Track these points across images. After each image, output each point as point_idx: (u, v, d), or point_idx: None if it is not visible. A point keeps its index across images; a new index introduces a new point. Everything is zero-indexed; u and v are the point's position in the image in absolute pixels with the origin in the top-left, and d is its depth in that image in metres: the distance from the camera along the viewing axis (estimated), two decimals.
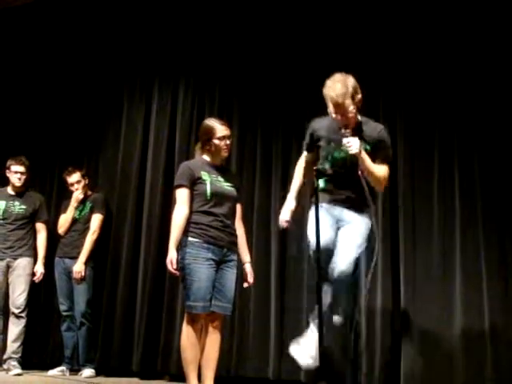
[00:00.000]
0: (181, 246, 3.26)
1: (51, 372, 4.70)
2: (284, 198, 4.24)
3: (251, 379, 4.22)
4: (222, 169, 3.48)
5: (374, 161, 3.22)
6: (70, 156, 5.34)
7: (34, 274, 4.85)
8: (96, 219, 4.87)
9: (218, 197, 3.34)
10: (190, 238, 3.26)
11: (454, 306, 3.81)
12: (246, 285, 3.51)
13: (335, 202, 3.27)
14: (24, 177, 4.98)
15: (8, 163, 4.96)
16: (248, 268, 3.47)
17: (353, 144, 3.12)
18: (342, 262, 3.13)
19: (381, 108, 4.27)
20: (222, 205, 3.34)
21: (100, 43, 5.46)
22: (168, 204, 4.79)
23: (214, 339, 3.31)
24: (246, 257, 3.49)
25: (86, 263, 4.74)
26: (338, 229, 3.26)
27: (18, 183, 4.97)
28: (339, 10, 4.52)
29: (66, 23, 5.53)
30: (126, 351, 4.69)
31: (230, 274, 3.34)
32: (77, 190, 4.89)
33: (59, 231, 4.91)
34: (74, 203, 4.87)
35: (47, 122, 5.56)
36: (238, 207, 3.49)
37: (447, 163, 4.03)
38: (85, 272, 4.72)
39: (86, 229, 4.85)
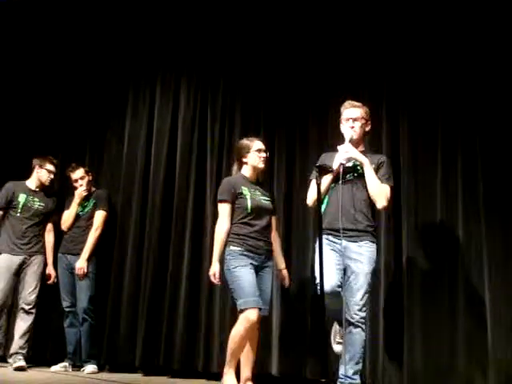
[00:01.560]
0: (224, 256, 3.58)
1: (54, 368, 4.70)
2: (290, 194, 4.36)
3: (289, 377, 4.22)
4: (258, 183, 3.81)
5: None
6: (74, 152, 5.35)
7: (45, 274, 4.88)
8: (99, 216, 4.87)
9: (257, 210, 3.65)
10: (232, 247, 3.59)
11: (458, 304, 3.81)
12: (286, 286, 3.89)
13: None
14: (53, 177, 5.03)
15: (40, 161, 4.96)
16: (285, 273, 3.85)
17: (349, 150, 3.37)
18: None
19: (384, 104, 4.27)
20: (261, 217, 3.67)
21: (104, 39, 5.46)
22: (170, 201, 4.84)
23: (254, 337, 3.59)
24: (282, 264, 3.84)
25: (89, 260, 4.74)
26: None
27: (48, 183, 5.00)
28: (343, 6, 4.52)
29: (72, 18, 5.51)
30: (130, 347, 4.69)
31: (267, 279, 3.67)
32: (80, 186, 4.89)
33: (62, 227, 4.91)
34: (77, 199, 4.87)
35: (51, 117, 5.54)
36: (274, 219, 3.83)
37: (450, 160, 4.02)
38: (87, 268, 4.72)
39: (90, 225, 4.85)
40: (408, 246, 4.01)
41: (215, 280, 3.58)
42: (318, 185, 3.10)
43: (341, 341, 3.36)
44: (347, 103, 3.60)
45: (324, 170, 3.33)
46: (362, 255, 3.36)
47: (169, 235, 4.78)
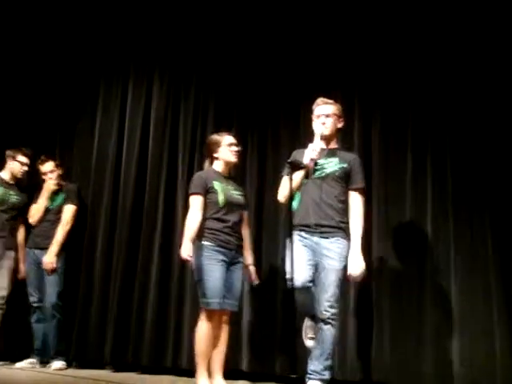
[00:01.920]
0: (196, 250, 3.56)
1: (19, 364, 4.62)
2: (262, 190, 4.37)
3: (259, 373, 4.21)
4: (230, 178, 3.81)
5: (348, 185, 3.48)
6: (44, 145, 5.26)
7: (16, 270, 4.81)
8: (69, 210, 4.80)
9: (229, 205, 3.65)
10: (203, 242, 3.58)
11: (425, 298, 3.87)
12: (253, 283, 3.84)
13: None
14: (27, 169, 4.94)
15: (12, 153, 4.88)
16: (251, 269, 3.81)
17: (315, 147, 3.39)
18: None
19: (356, 104, 4.31)
20: (233, 212, 3.68)
21: (76, 32, 5.39)
22: (141, 195, 4.82)
23: (224, 333, 3.63)
24: (249, 259, 3.81)
25: (58, 254, 4.67)
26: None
27: (20, 175, 4.91)
28: (315, 6, 4.54)
29: (44, 10, 5.43)
30: (99, 343, 4.65)
31: (238, 274, 3.68)
32: (50, 179, 4.83)
33: (30, 221, 4.83)
34: (45, 193, 4.80)
35: (19, 110, 5.45)
36: (245, 214, 3.83)
37: (420, 158, 4.07)
38: (56, 263, 4.65)
39: (58, 219, 4.77)
40: (377, 242, 4.05)
41: (189, 257, 3.49)
42: (291, 180, 3.12)
43: (313, 336, 3.37)
44: (319, 100, 3.62)
45: (296, 166, 3.37)
46: (333, 252, 3.38)
47: (139, 231, 4.75)
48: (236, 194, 3.75)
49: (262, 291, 4.29)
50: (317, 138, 3.46)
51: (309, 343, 3.41)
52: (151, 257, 4.65)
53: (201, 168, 4.06)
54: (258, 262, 3.98)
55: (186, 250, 3.50)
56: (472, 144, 3.94)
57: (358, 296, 4.05)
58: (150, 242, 4.68)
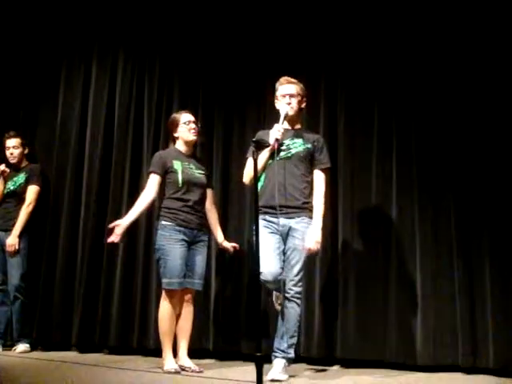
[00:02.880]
0: (155, 230, 3.63)
1: None
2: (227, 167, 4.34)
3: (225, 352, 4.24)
4: (193, 157, 3.79)
5: (313, 165, 3.49)
6: (5, 124, 5.13)
7: None
8: (31, 191, 4.71)
9: (189, 184, 3.65)
10: (163, 222, 3.60)
11: (390, 282, 3.92)
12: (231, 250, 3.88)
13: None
14: None
15: None
16: (226, 245, 3.88)
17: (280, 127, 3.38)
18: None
19: (322, 84, 4.30)
20: (193, 191, 3.66)
21: (41, 9, 5.25)
22: (106, 177, 4.75)
23: (187, 312, 3.66)
24: (220, 237, 3.87)
25: (21, 236, 4.59)
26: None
27: None
28: None
29: None
30: (65, 324, 4.61)
31: (201, 253, 3.69)
32: (11, 154, 4.73)
33: None
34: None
35: None
36: (209, 192, 3.84)
37: (386, 140, 4.09)
38: (19, 245, 4.57)
39: (21, 200, 4.68)
40: (343, 224, 4.09)
41: (116, 233, 3.54)
42: (255, 160, 3.11)
43: (281, 303, 3.38)
44: (283, 79, 3.59)
45: (261, 146, 3.35)
46: (299, 231, 3.39)
47: (105, 212, 4.69)
48: (197, 173, 3.73)
49: (229, 271, 4.32)
50: (281, 118, 3.44)
51: (278, 307, 3.42)
52: None
53: (166, 146, 4.02)
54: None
55: (121, 221, 3.57)
56: (437, 126, 3.96)
57: (325, 277, 4.08)
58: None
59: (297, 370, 3.56)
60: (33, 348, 4.59)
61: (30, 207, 4.67)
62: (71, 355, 4.44)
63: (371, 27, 4.22)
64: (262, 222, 3.33)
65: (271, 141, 3.38)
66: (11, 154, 4.74)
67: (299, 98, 3.56)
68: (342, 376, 3.58)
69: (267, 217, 3.41)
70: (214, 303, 4.31)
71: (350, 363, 3.89)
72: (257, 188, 3.11)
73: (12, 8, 5.30)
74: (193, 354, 3.74)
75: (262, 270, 3.16)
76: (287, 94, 3.53)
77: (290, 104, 3.51)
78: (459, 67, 3.94)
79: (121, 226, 3.56)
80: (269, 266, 3.29)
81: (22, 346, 4.52)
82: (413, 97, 4.05)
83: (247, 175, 3.54)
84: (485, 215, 3.74)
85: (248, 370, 3.27)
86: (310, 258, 3.65)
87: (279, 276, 3.34)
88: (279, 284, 3.35)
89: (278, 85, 3.60)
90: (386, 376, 3.57)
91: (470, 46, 3.92)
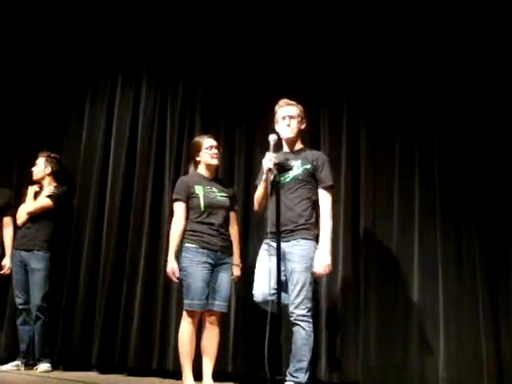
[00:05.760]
0: (179, 252, 3.62)
1: (5, 367, 4.58)
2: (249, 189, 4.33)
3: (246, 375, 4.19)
4: (215, 180, 3.84)
5: (317, 183, 3.47)
6: (31, 146, 5.23)
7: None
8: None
9: (211, 208, 3.69)
10: (186, 244, 3.64)
11: (412, 301, 3.86)
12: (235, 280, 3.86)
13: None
14: None
15: None
16: (235, 270, 3.81)
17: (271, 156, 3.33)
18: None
19: (345, 102, 4.30)
20: (216, 214, 3.70)
21: (66, 30, 5.37)
22: (128, 198, 4.79)
23: (212, 334, 3.66)
24: (235, 260, 3.83)
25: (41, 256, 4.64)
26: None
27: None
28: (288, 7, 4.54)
29: (37, 7, 5.42)
30: (86, 345, 4.63)
31: (225, 276, 3.70)
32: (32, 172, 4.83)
33: (18, 222, 4.78)
34: (30, 194, 4.78)
35: (8, 109, 5.44)
36: (232, 215, 3.87)
37: (408, 160, 4.06)
38: (38, 264, 4.61)
39: (40, 219, 4.72)
40: (364, 243, 4.04)
41: (174, 277, 3.61)
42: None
43: None
44: (282, 102, 3.61)
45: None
46: (294, 254, 3.37)
47: (126, 233, 4.72)
48: (220, 196, 3.76)
49: (250, 292, 4.27)
50: (271, 146, 3.35)
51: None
52: (138, 258, 4.62)
53: (187, 169, 4.04)
54: (244, 261, 3.95)
55: (171, 266, 3.60)
56: (460, 146, 3.92)
57: (347, 300, 4.03)
58: (138, 244, 4.66)
59: None
60: (54, 367, 4.61)
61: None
62: (92, 375, 4.45)
63: (393, 44, 4.20)
64: (264, 247, 3.45)
65: (263, 170, 3.38)
66: (32, 171, 4.83)
67: (299, 119, 3.57)
68: None
69: (269, 242, 3.41)
70: (234, 325, 4.27)
71: None
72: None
73: (40, 31, 5.43)
74: (214, 376, 3.70)
75: (253, 291, 3.32)
76: (286, 116, 3.54)
77: (289, 126, 3.52)
78: (483, 82, 3.91)
79: (173, 268, 3.60)
80: (260, 287, 3.34)
81: (43, 366, 4.54)
82: (435, 115, 4.03)
83: (257, 202, 3.61)
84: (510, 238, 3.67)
85: None
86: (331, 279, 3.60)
87: (270, 297, 3.27)
88: (272, 305, 3.23)
89: (277, 108, 3.61)
90: None
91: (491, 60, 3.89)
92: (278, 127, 3.59)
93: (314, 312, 3.80)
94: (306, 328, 3.32)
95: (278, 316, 3.04)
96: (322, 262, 3.36)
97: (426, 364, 3.73)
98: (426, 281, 3.84)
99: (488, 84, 3.90)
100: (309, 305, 3.34)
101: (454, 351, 3.67)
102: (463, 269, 3.78)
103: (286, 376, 3.31)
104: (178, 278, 3.61)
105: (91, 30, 5.28)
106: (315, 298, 3.79)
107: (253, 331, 4.19)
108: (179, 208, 3.72)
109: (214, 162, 3.82)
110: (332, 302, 4.00)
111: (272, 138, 3.37)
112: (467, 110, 3.93)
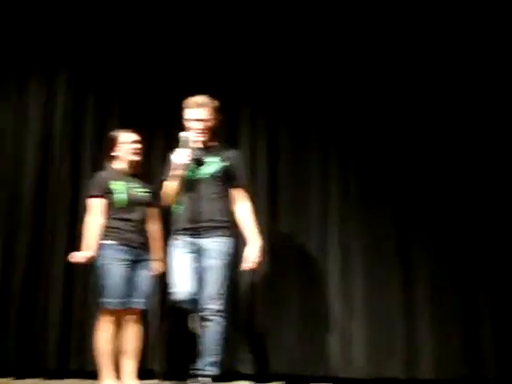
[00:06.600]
0: (98, 249, 3.53)
1: None
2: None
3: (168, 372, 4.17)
4: (135, 175, 3.75)
5: (230, 183, 3.48)
6: None
7: None
8: None
9: (131, 203, 3.61)
10: (104, 241, 3.55)
11: (331, 293, 3.98)
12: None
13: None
14: None
15: None
16: (156, 265, 3.72)
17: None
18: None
19: (264, 97, 4.37)
20: (135, 210, 3.63)
21: None
22: (42, 197, 4.61)
23: (133, 333, 3.60)
24: (156, 255, 3.75)
25: None
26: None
27: None
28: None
29: None
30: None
31: (144, 273, 3.64)
32: None
33: None
34: None
35: None
36: (154, 211, 3.78)
37: (325, 152, 4.22)
38: None
39: None
40: (282, 240, 4.16)
41: (80, 259, 3.51)
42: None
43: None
44: (192, 102, 3.49)
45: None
46: (213, 250, 3.39)
47: (41, 231, 4.55)
48: (140, 192, 3.71)
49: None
50: (184, 143, 3.38)
51: (196, 328, 3.42)
52: (53, 259, 4.47)
53: (104, 163, 3.95)
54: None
55: (85, 254, 3.51)
56: (374, 141, 4.17)
57: (264, 293, 4.10)
58: (53, 243, 4.51)
59: None
60: None
61: None
62: (7, 382, 4.25)
63: (311, 42, 4.37)
64: (176, 243, 3.40)
65: (176, 165, 3.36)
66: None
67: (209, 120, 3.49)
68: None
69: (183, 238, 3.42)
70: (155, 322, 4.24)
71: (291, 379, 3.89)
72: (173, 211, 3.12)
73: None
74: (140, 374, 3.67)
75: (174, 289, 3.27)
76: (195, 120, 3.47)
77: (199, 129, 3.47)
78: (397, 84, 4.13)
79: (88, 255, 3.52)
80: (182, 285, 3.31)
81: None
82: (352, 111, 4.23)
83: (166, 197, 3.53)
84: (424, 227, 3.87)
85: None
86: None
87: (194, 296, 3.32)
88: (194, 304, 3.33)
89: (185, 106, 3.51)
90: None
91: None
92: (188, 125, 3.50)
93: (232, 308, 3.91)
94: (221, 323, 3.36)
95: (196, 313, 3.06)
96: (253, 257, 3.40)
97: (342, 352, 3.85)
98: (343, 272, 3.98)
99: (399, 77, 4.13)
100: (223, 300, 3.37)
101: (370, 338, 3.82)
102: (380, 259, 3.95)
103: (196, 370, 3.34)
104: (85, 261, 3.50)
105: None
106: (233, 294, 3.91)
107: (173, 328, 4.20)
108: (96, 204, 3.62)
109: (135, 157, 3.74)
110: (251, 299, 4.07)
111: (184, 135, 3.36)
112: (380, 106, 4.12)
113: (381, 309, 3.91)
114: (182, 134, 3.36)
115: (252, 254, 3.39)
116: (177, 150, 3.36)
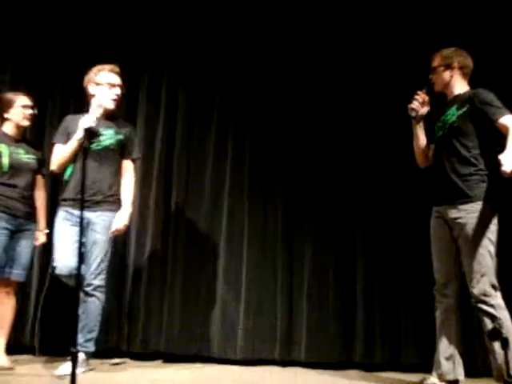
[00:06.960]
0: None
1: None
2: None
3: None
4: (22, 140, 3.60)
5: (123, 156, 3.49)
6: None
7: None
8: None
9: (16, 168, 3.46)
10: None
11: (217, 274, 4.02)
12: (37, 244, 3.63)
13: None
14: None
15: None
16: (40, 236, 3.61)
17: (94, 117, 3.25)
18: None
19: (165, 72, 4.29)
20: (20, 176, 3.49)
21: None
22: None
23: (7, 306, 3.47)
24: (41, 225, 3.63)
25: None
26: None
27: None
28: None
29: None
30: None
31: (25, 243, 3.51)
32: None
33: None
34: None
35: None
36: (39, 179, 3.64)
37: (223, 130, 4.18)
38: None
39: None
40: (175, 218, 4.11)
41: None
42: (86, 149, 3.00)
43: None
44: (109, 67, 3.47)
45: (93, 134, 3.27)
46: (98, 224, 3.36)
47: None
48: (26, 158, 3.57)
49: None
50: (96, 109, 3.28)
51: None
52: None
53: None
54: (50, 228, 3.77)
55: None
56: (269, 125, 4.15)
57: (154, 274, 4.07)
58: None
59: (95, 364, 3.48)
60: None
61: None
62: None
63: (217, 20, 4.28)
64: (63, 215, 3.33)
65: (80, 130, 3.25)
66: None
67: (123, 88, 3.51)
68: (162, 369, 3.62)
69: (69, 209, 3.34)
70: (35, 297, 4.07)
71: (171, 358, 3.90)
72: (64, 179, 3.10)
73: None
74: (11, 350, 3.56)
75: (56, 263, 3.20)
76: (116, 85, 3.46)
77: (117, 96, 3.45)
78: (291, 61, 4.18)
79: None
80: (64, 259, 3.24)
81: None
82: (250, 99, 4.19)
83: (56, 163, 3.43)
84: (309, 214, 4.00)
85: (66, 366, 3.10)
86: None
87: (75, 271, 3.16)
88: (76, 279, 3.18)
89: (99, 70, 3.45)
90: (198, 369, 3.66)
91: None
92: (94, 90, 3.42)
93: (119, 286, 3.89)
94: (102, 299, 3.34)
95: (77, 289, 2.98)
96: (123, 221, 3.40)
97: (226, 334, 3.91)
98: (231, 252, 4.02)
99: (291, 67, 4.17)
100: (104, 275, 3.37)
101: (251, 320, 3.90)
102: (266, 239, 4.03)
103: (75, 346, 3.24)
104: None
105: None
106: (119, 271, 3.89)
107: (53, 303, 4.06)
108: None
109: (27, 122, 3.61)
110: (139, 276, 4.02)
111: (98, 103, 3.27)
112: (282, 91, 4.16)
113: (262, 293, 3.99)
114: (97, 99, 3.29)
115: (120, 221, 3.38)
116: (87, 115, 3.23)
